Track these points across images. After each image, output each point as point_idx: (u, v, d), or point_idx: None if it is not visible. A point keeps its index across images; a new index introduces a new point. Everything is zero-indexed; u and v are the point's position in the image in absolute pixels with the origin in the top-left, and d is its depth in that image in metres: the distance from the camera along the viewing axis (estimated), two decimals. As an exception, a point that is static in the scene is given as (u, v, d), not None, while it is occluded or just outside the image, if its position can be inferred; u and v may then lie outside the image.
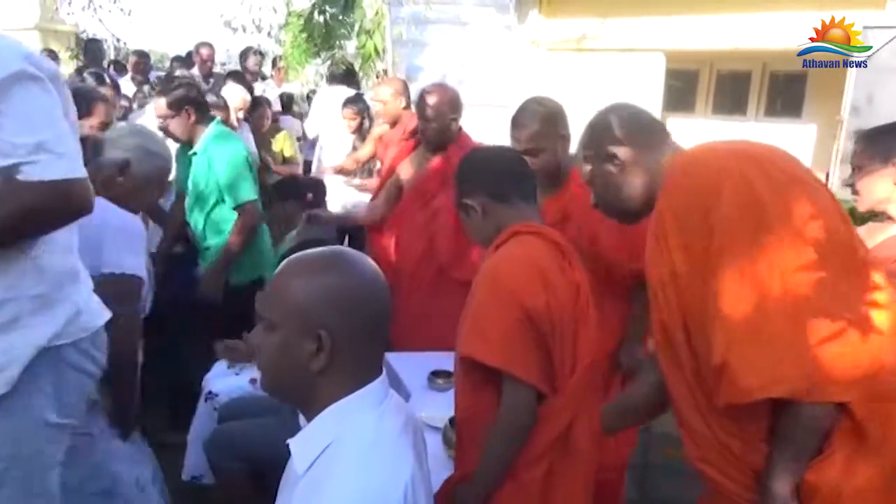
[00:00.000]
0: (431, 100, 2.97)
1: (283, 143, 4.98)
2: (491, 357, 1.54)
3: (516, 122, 2.35)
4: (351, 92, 5.00)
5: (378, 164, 4.35)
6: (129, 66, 6.47)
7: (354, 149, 4.65)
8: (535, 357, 1.55)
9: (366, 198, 4.46)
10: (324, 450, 1.02)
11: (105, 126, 2.79)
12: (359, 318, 1.04)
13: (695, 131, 8.53)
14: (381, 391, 1.08)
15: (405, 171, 3.14)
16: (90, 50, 6.90)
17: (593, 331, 1.66)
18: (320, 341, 1.00)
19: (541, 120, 2.32)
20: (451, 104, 3.00)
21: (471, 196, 1.72)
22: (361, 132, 4.67)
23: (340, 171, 4.43)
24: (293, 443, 1.06)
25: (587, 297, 1.67)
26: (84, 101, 2.69)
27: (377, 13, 4.38)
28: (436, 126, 2.96)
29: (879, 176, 1.97)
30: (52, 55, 7.01)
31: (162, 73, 6.23)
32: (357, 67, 5.74)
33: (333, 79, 5.53)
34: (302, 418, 1.10)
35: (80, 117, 2.64)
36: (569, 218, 2.28)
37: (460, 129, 3.08)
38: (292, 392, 1.07)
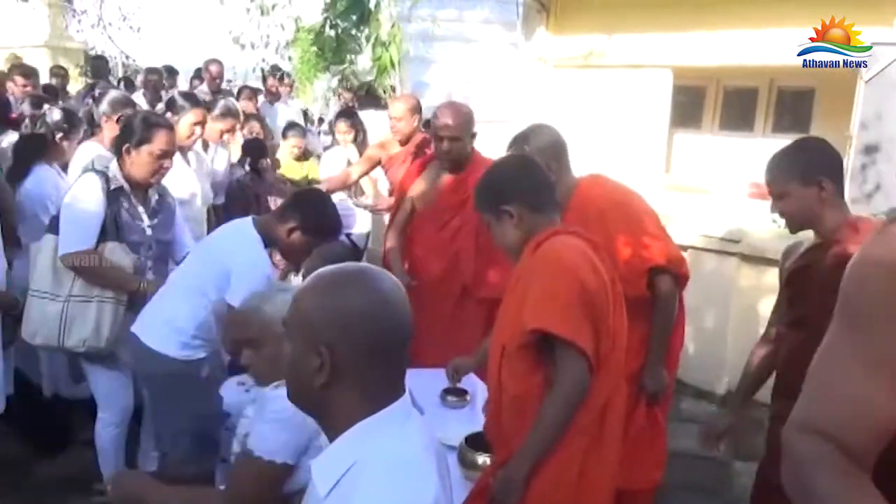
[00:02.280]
0: (450, 120, 2.91)
1: (310, 170, 5.00)
2: (560, 328, 1.64)
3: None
4: (381, 115, 5.02)
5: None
6: (139, 83, 6.50)
7: (349, 164, 4.65)
8: (590, 333, 1.66)
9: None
10: (346, 471, 0.99)
11: (167, 154, 2.74)
12: (365, 337, 1.01)
13: (702, 147, 8.52)
14: (403, 411, 1.05)
15: (417, 190, 3.09)
16: (95, 67, 6.93)
17: (624, 319, 1.80)
18: (321, 357, 1.00)
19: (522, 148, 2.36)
20: (470, 123, 2.95)
21: (510, 203, 1.80)
22: (356, 145, 4.68)
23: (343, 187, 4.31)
24: (315, 464, 1.05)
25: (620, 289, 1.80)
26: (148, 127, 2.67)
27: (394, 25, 4.39)
28: (458, 146, 2.90)
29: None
30: (62, 72, 7.05)
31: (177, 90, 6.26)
32: (373, 80, 5.76)
33: (362, 104, 5.56)
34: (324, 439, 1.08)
35: (143, 143, 2.62)
36: None
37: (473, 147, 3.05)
38: (306, 403, 1.09)
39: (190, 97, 3.87)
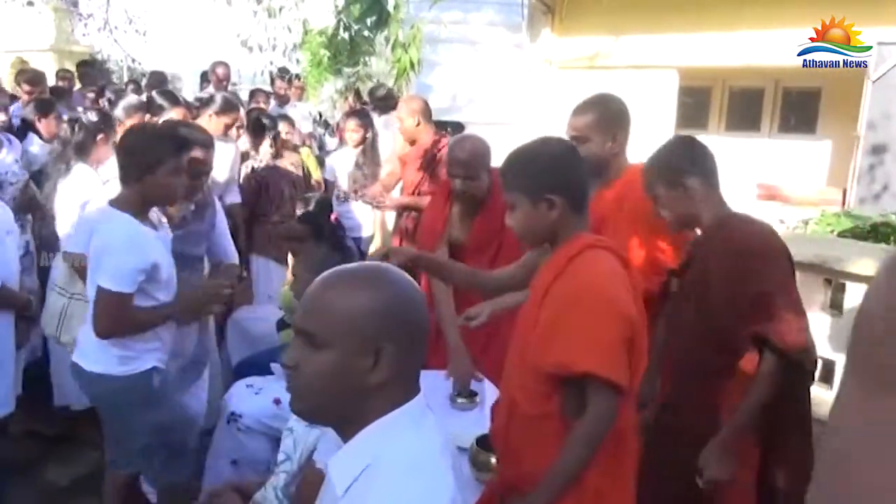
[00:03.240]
0: (463, 158, 2.71)
1: (307, 162, 4.97)
2: (604, 370, 1.55)
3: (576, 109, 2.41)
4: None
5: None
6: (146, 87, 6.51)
7: (357, 164, 4.65)
8: (627, 367, 1.59)
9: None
10: (363, 469, 0.99)
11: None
12: (409, 331, 1.02)
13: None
14: (420, 409, 1.05)
15: (456, 231, 2.90)
16: (81, 73, 6.88)
17: (647, 338, 1.71)
18: (377, 356, 0.99)
19: (596, 111, 2.36)
20: (486, 158, 2.77)
21: (555, 192, 1.65)
22: (365, 145, 4.67)
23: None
24: (332, 462, 1.04)
25: (643, 308, 1.71)
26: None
27: (413, 27, 4.40)
28: (473, 186, 2.74)
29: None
30: (69, 76, 7.08)
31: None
32: (394, 83, 5.78)
33: (381, 108, 5.54)
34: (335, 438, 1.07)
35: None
36: (605, 220, 2.26)
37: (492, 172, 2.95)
38: (337, 411, 1.03)
39: (169, 96, 3.81)
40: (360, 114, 4.87)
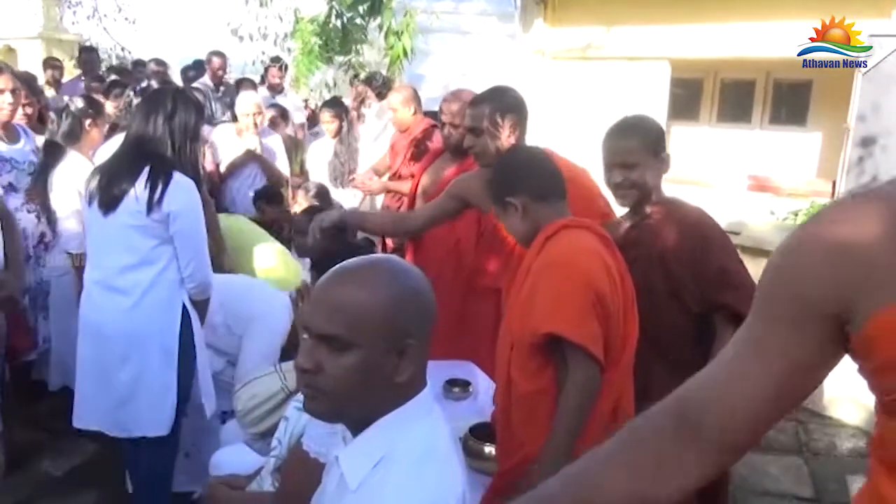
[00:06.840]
0: (452, 107, 2.94)
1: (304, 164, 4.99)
2: (573, 333, 1.62)
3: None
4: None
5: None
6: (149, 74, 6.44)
7: (335, 153, 4.65)
8: (601, 337, 1.65)
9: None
10: (378, 461, 0.99)
11: None
12: (426, 323, 1.02)
13: (699, 139, 8.53)
14: (428, 400, 1.05)
15: (425, 181, 3.12)
16: (84, 60, 6.83)
17: (636, 319, 1.78)
18: (402, 353, 0.98)
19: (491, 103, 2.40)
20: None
21: (513, 195, 1.80)
22: (341, 135, 4.67)
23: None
24: (343, 456, 1.03)
25: (630, 284, 1.78)
26: None
27: (407, 14, 4.38)
28: (459, 133, 2.91)
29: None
30: (57, 64, 7.01)
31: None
32: (385, 70, 5.74)
33: (381, 95, 5.55)
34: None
35: None
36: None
37: None
38: (360, 410, 1.01)
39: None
40: (333, 104, 4.87)
